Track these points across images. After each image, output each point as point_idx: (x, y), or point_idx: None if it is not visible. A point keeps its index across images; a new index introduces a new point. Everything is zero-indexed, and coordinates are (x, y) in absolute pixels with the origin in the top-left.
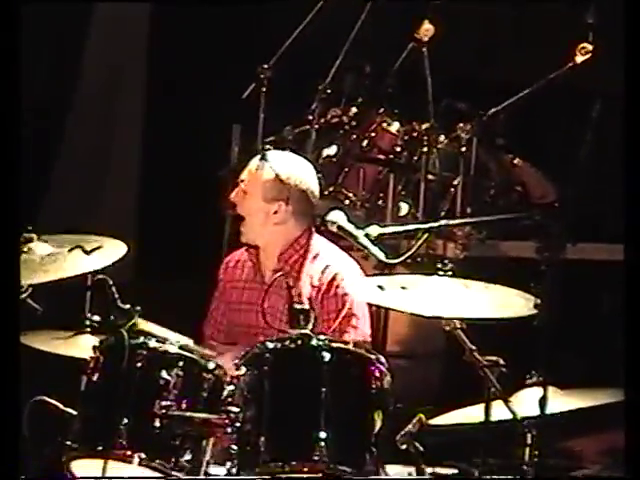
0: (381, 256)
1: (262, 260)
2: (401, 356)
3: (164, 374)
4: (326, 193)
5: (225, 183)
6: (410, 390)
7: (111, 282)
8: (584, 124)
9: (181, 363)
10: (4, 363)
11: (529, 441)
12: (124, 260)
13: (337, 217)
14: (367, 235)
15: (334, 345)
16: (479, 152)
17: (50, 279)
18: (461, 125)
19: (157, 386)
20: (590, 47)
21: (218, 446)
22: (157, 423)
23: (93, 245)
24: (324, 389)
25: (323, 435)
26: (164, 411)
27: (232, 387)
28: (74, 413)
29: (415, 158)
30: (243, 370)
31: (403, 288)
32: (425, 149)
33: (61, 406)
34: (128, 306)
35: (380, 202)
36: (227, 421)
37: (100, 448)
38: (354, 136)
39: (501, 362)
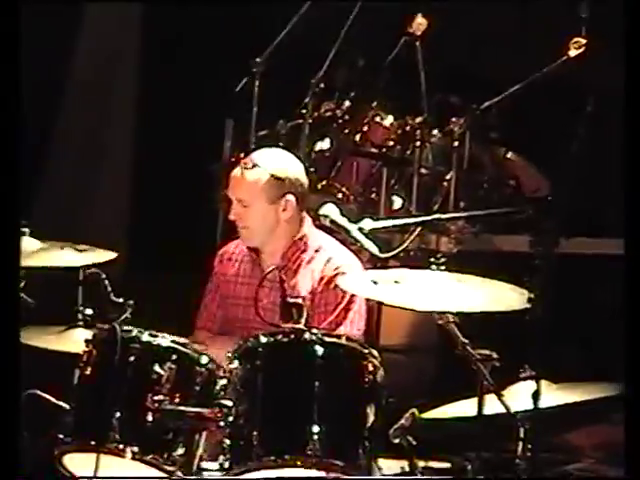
0: (374, 250)
1: (264, 257)
2: (394, 350)
3: (157, 368)
4: (319, 187)
5: (218, 177)
6: (403, 384)
7: (104, 276)
8: (577, 118)
9: (174, 357)
10: (4, 359)
11: (522, 435)
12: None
13: (330, 211)
14: (360, 229)
15: (327, 339)
16: (472, 146)
17: (42, 265)
18: (454, 119)
19: (150, 380)
20: (583, 41)
21: (211, 440)
22: (150, 417)
23: (84, 247)
24: (317, 383)
25: (316, 429)
26: (157, 405)
27: (225, 381)
28: (67, 407)
29: (408, 152)
30: (236, 364)
31: (396, 282)
32: (418, 143)
33: (54, 400)
34: (121, 300)
35: (373, 196)
36: (220, 415)
37: (93, 442)
38: (347, 130)
39: (494, 356)
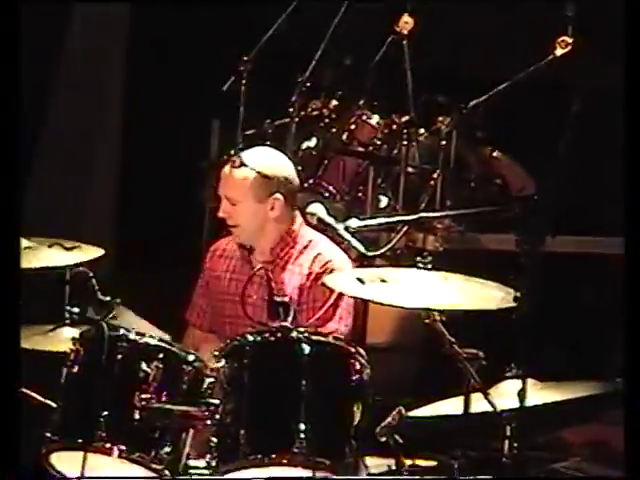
0: (361, 249)
1: (255, 254)
2: (381, 349)
3: (144, 366)
4: (306, 186)
5: (205, 174)
6: (390, 382)
7: (91, 274)
8: (563, 117)
9: (161, 355)
10: (4, 359)
11: (508, 433)
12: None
13: (317, 209)
14: (347, 228)
15: (314, 338)
16: (459, 145)
17: (30, 267)
18: (441, 118)
19: (137, 378)
20: (570, 40)
21: (198, 438)
22: (137, 415)
23: (72, 245)
24: (304, 381)
25: (303, 427)
26: (144, 403)
27: (212, 379)
28: (53, 405)
29: (395, 151)
30: (223, 362)
31: (383, 281)
32: (405, 142)
33: (40, 398)
34: (108, 298)
35: (360, 195)
36: (207, 413)
37: (80, 440)
38: (334, 129)
39: (480, 355)
